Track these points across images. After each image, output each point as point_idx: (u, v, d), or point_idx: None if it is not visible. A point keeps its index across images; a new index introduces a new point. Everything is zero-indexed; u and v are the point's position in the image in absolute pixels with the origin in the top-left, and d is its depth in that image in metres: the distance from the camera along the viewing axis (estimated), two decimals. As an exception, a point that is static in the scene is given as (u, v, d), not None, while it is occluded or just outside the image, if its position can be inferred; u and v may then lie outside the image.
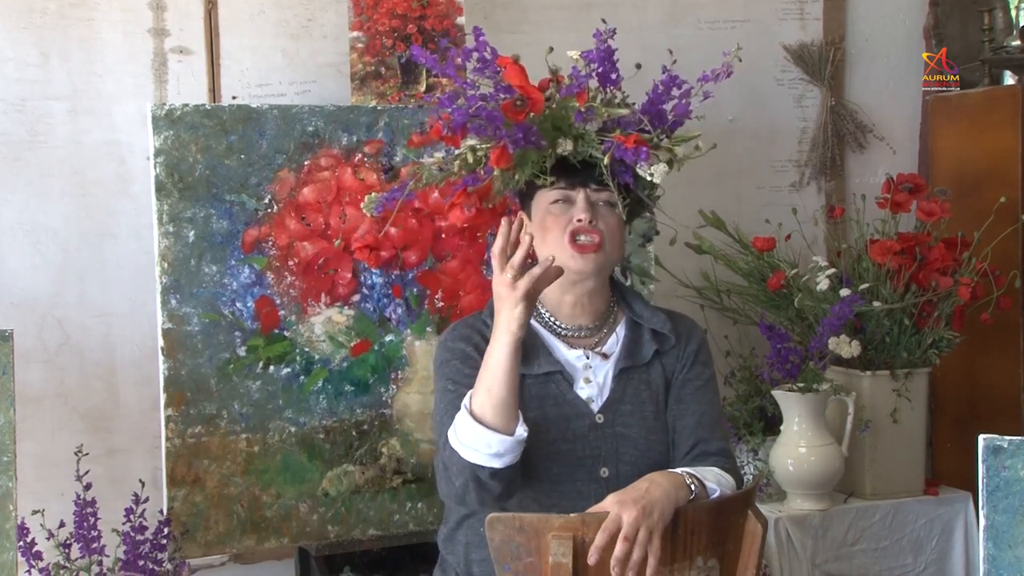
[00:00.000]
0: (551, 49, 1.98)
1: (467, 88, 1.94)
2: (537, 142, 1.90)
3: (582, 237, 1.93)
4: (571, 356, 2.02)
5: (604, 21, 1.99)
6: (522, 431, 1.83)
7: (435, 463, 1.97)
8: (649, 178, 1.91)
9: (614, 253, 1.99)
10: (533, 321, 2.03)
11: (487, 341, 1.99)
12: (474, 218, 2.11)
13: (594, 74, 1.98)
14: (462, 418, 1.83)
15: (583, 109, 1.91)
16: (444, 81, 2.68)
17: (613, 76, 1.98)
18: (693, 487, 1.81)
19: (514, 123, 1.88)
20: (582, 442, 1.96)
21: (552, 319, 2.03)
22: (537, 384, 1.93)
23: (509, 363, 1.81)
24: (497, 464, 1.81)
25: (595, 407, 1.99)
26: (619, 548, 1.69)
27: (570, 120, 1.92)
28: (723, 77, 2.00)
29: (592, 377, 2.00)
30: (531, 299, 1.81)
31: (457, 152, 2.04)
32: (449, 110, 1.93)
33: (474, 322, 2.06)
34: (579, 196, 1.95)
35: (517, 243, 1.84)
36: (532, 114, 1.90)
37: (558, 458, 1.92)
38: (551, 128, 1.92)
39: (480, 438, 1.81)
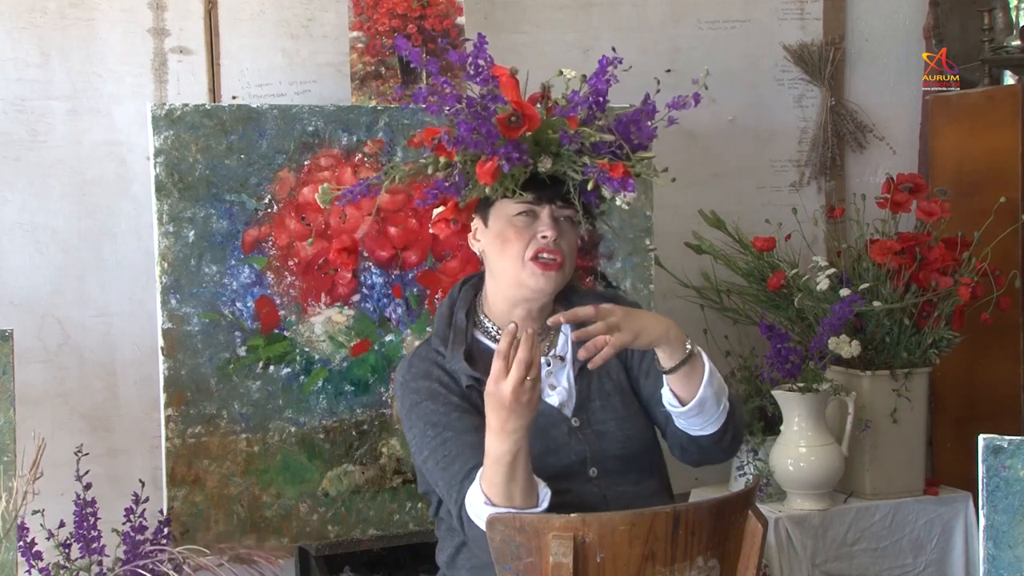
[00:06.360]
0: (560, 72, 1.97)
1: (444, 86, 1.92)
2: (526, 159, 1.89)
3: (545, 255, 1.91)
4: None
5: (614, 49, 1.95)
6: (545, 493, 1.78)
7: (435, 508, 1.95)
8: (622, 205, 1.89)
9: (571, 271, 1.98)
10: (483, 338, 2.00)
11: (448, 373, 1.95)
12: (459, 234, 2.08)
13: (589, 99, 1.96)
14: (487, 512, 1.75)
15: (572, 132, 1.90)
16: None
17: (601, 100, 1.96)
18: (690, 344, 1.86)
19: (508, 139, 1.87)
20: (565, 449, 1.95)
21: (500, 332, 1.93)
22: None
23: (528, 447, 1.74)
24: None
25: (568, 411, 1.98)
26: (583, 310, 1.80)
27: (552, 136, 1.91)
28: (691, 105, 1.98)
29: (556, 382, 2.00)
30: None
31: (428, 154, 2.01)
32: (446, 118, 1.91)
33: (428, 354, 2.00)
34: (544, 212, 1.92)
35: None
36: (528, 133, 1.89)
37: (548, 470, 1.88)
38: (532, 143, 1.91)
39: None
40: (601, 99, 1.95)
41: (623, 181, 1.86)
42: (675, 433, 1.97)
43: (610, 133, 1.93)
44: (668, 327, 1.86)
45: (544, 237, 1.91)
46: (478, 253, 2.03)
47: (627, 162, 1.91)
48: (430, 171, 1.97)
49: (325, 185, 2.04)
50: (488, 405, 1.73)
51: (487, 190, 1.91)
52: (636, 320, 1.82)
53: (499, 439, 1.72)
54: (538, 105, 1.94)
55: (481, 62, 1.91)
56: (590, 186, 1.88)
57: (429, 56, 2.13)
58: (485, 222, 1.99)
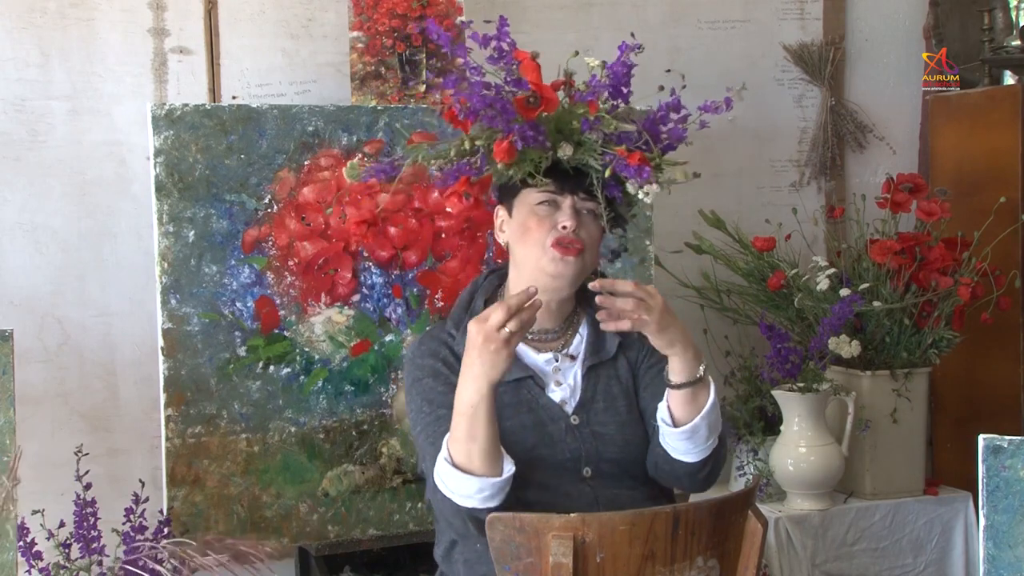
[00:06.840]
0: (576, 53, 1.97)
1: (473, 73, 1.92)
2: (543, 142, 1.90)
3: (565, 241, 1.91)
4: (540, 360, 2.01)
5: (633, 35, 1.96)
6: (509, 467, 1.80)
7: (426, 490, 1.95)
8: (643, 198, 1.89)
9: (591, 263, 1.98)
10: None
11: (455, 355, 1.97)
12: (471, 210, 2.07)
13: (608, 85, 1.97)
14: (447, 471, 1.80)
15: (592, 118, 1.90)
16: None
17: (625, 91, 1.97)
18: (704, 370, 1.87)
19: (525, 119, 1.88)
20: (561, 445, 1.95)
21: None
22: (509, 391, 1.91)
23: (491, 407, 1.77)
24: (492, 504, 1.79)
25: (569, 409, 1.99)
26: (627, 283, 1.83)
27: (575, 125, 1.91)
28: (723, 110, 1.99)
29: (562, 379, 2.00)
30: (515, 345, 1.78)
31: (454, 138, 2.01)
32: (465, 95, 1.91)
33: (439, 334, 2.04)
34: (566, 202, 1.93)
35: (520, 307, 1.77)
36: (545, 113, 1.89)
37: (540, 464, 1.91)
38: (554, 130, 1.92)
39: (470, 486, 1.79)
40: (623, 88, 1.96)
41: (639, 169, 1.86)
42: (655, 450, 1.98)
43: (634, 126, 1.93)
44: (691, 344, 1.88)
45: (564, 227, 1.91)
46: (503, 244, 2.04)
47: (651, 157, 1.91)
48: (453, 153, 1.97)
49: (354, 161, 2.06)
50: (466, 347, 1.78)
51: (500, 167, 1.91)
52: (668, 317, 1.84)
53: (463, 384, 1.77)
54: (560, 92, 1.94)
55: (504, 45, 1.91)
56: (607, 173, 1.88)
57: (430, 56, 2.13)
58: (510, 212, 2.00)
